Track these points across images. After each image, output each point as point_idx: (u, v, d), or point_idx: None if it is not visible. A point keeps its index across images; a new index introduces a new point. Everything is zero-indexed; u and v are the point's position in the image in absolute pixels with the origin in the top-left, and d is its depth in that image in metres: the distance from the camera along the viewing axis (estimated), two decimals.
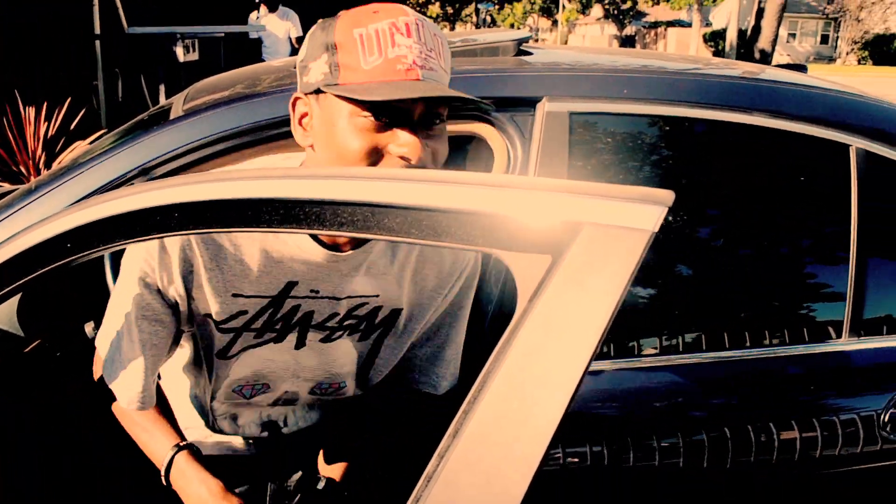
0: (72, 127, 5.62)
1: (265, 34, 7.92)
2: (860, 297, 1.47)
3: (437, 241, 0.66)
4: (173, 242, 1.04)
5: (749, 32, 11.74)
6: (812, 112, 1.56)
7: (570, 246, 0.63)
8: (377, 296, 1.13)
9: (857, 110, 1.63)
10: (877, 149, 1.53)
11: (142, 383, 1.14)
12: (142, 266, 1.06)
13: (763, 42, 11.22)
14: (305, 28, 8.25)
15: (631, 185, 0.60)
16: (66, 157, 5.50)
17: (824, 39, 50.17)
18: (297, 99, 1.01)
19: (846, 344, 1.47)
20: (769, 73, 1.93)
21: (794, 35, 48.96)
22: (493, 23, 77.80)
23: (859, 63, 46.37)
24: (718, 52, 45.28)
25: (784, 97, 1.60)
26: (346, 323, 1.13)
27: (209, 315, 1.10)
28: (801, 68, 2.41)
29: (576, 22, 74.89)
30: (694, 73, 1.76)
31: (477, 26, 41.48)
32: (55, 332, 1.85)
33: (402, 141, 0.91)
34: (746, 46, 11.70)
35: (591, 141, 1.50)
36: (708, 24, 53.91)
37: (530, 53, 1.73)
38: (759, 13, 11.24)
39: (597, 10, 64.22)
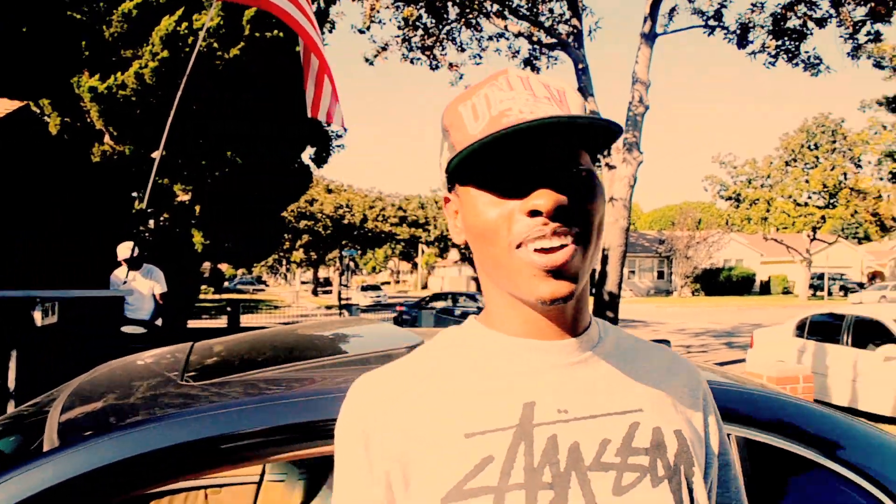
0: None
1: (128, 291, 7.76)
2: None
3: None
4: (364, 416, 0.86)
5: (597, 277, 12.65)
6: None
7: None
8: (641, 410, 0.87)
9: (731, 399, 1.73)
10: (755, 435, 1.60)
11: None
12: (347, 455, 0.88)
13: (610, 285, 12.13)
14: (170, 283, 8.23)
15: None
16: None
17: (660, 275, 54.95)
18: (446, 200, 0.95)
19: None
20: None
21: (633, 272, 53.31)
22: (357, 267, 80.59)
23: (693, 294, 50.83)
24: None
25: None
26: (631, 460, 0.83)
27: (444, 478, 0.80)
28: (664, 343, 2.59)
29: (434, 265, 78.90)
30: None
31: (342, 272, 42.73)
32: None
33: (530, 194, 0.79)
34: (597, 288, 12.58)
35: None
36: None
37: None
38: (604, 259, 12.25)
39: (454, 254, 68.07)
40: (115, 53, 10.77)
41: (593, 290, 13.57)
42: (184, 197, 13.74)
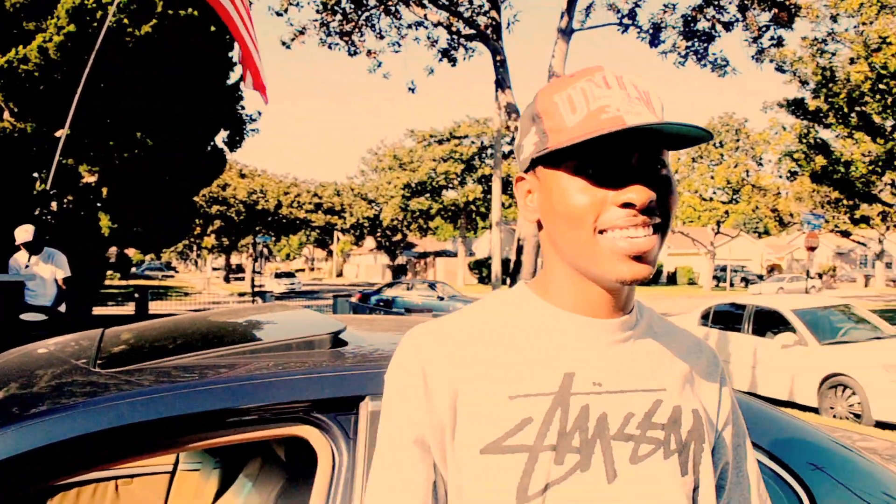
0: None
1: (29, 276, 7.40)
2: None
3: None
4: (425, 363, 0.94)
5: (512, 266, 12.83)
6: None
7: None
8: (664, 389, 0.97)
9: None
10: None
11: None
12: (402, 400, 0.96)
13: (525, 274, 12.31)
14: (74, 268, 7.90)
15: None
16: None
17: None
18: (519, 179, 1.00)
19: None
20: None
21: None
22: (270, 254, 79.14)
23: None
24: (483, 280, 49.02)
25: None
26: (649, 434, 0.93)
27: (486, 432, 0.90)
28: None
29: (350, 252, 78.34)
30: None
31: (255, 258, 41.91)
32: None
33: (623, 188, 0.87)
34: (511, 276, 12.73)
35: None
36: (471, 254, 58.54)
37: (346, 343, 1.76)
38: (520, 249, 12.42)
39: (370, 242, 67.78)
40: (16, 25, 10.22)
41: (508, 279, 13.75)
42: (90, 178, 13.19)
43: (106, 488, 2.48)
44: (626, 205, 0.87)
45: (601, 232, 0.88)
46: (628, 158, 0.88)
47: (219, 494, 2.46)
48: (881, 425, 7.90)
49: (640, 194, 0.86)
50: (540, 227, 0.99)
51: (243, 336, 1.98)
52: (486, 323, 0.98)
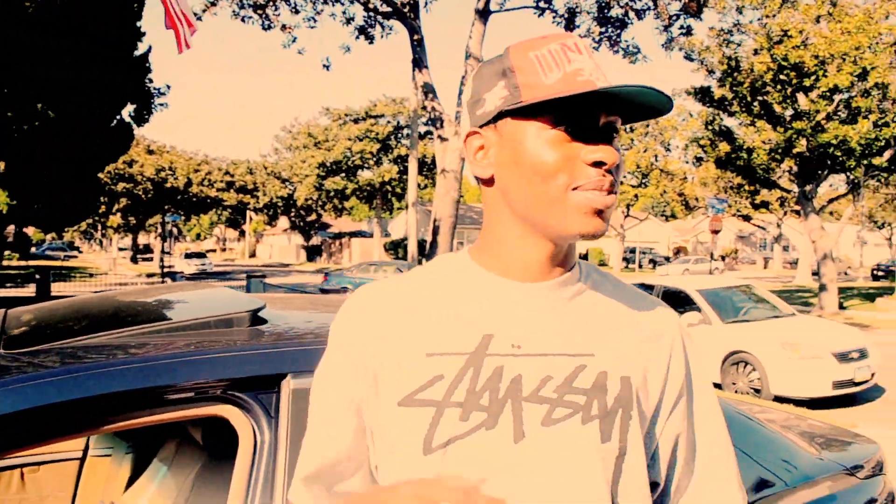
0: None
1: None
2: None
3: None
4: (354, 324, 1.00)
5: (428, 247, 12.86)
6: None
7: None
8: (592, 354, 0.96)
9: None
10: None
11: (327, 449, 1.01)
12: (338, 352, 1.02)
13: (440, 254, 12.39)
14: None
15: None
16: None
17: None
18: (471, 134, 1.01)
19: None
20: None
21: (462, 243, 54.73)
22: (180, 234, 76.85)
23: None
24: (399, 259, 49.02)
25: None
26: (567, 398, 0.93)
27: (403, 386, 0.95)
28: None
29: (263, 232, 76.85)
30: None
31: (164, 238, 40.58)
32: None
33: (596, 147, 0.91)
34: (427, 257, 12.77)
35: None
36: (387, 235, 58.41)
37: (265, 322, 1.73)
38: (436, 230, 12.48)
39: (283, 222, 66.64)
40: None
41: (423, 260, 13.80)
42: None
43: (11, 477, 2.37)
44: (597, 163, 0.91)
45: (574, 189, 0.91)
46: (596, 121, 0.92)
47: (132, 480, 2.38)
48: (779, 399, 8.32)
49: (609, 154, 0.91)
50: (488, 183, 1.01)
51: (158, 314, 1.92)
52: (421, 287, 1.02)
